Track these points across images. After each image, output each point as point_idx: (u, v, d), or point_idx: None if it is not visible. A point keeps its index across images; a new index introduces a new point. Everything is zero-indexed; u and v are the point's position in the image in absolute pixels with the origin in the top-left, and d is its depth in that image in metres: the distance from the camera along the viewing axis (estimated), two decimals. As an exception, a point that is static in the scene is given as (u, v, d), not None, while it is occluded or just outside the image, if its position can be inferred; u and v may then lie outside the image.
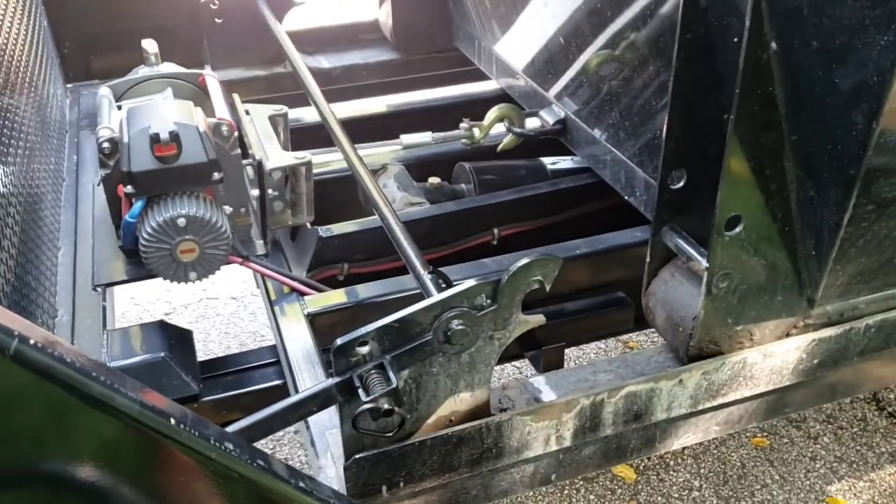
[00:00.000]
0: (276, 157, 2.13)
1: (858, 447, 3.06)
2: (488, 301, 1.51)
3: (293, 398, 1.48)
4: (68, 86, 2.94)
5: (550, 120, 2.31)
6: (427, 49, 3.15)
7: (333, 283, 2.34)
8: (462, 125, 2.43)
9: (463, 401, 1.60)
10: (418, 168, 2.54)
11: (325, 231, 2.30)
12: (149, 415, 0.96)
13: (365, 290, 2.11)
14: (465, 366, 1.56)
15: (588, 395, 1.61)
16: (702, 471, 2.98)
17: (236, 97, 2.29)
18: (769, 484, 2.91)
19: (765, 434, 3.12)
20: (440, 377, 1.55)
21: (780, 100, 1.37)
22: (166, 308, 3.62)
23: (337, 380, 1.46)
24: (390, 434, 1.51)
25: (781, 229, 1.52)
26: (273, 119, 2.26)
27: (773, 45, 1.31)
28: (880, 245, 1.52)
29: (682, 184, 1.58)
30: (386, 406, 1.42)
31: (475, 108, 2.71)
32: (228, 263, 2.00)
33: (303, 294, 2.05)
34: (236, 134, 2.03)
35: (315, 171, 2.40)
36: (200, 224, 1.86)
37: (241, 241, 2.15)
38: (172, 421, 0.99)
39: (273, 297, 2.05)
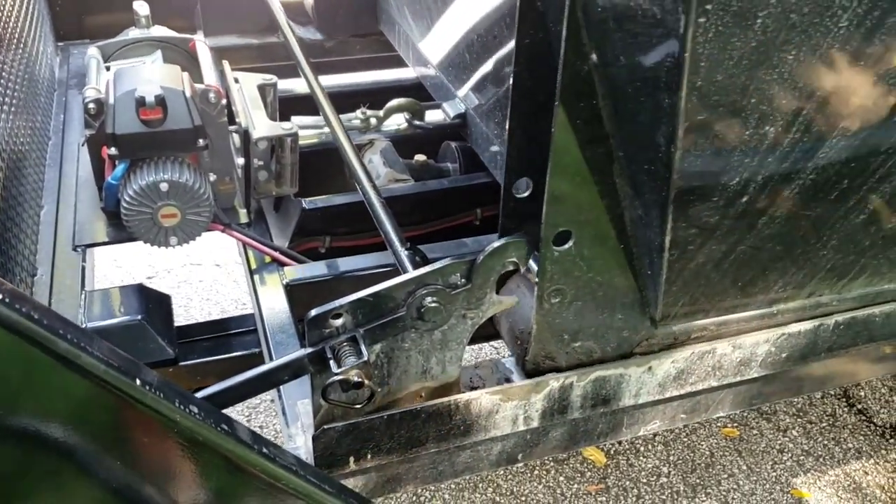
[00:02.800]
0: (262, 126, 2.13)
1: (826, 442, 3.11)
2: (463, 280, 1.53)
3: (265, 366, 1.50)
4: (59, 44, 2.92)
5: (452, 113, 2.32)
6: (350, 31, 3.01)
7: (315, 256, 2.35)
8: (357, 112, 2.43)
9: (434, 377, 1.63)
10: (406, 145, 2.55)
11: (308, 203, 2.31)
12: (114, 374, 0.97)
13: (344, 264, 2.12)
14: (438, 343, 1.58)
15: (557, 378, 1.64)
16: (671, 458, 3.02)
17: (226, 64, 2.28)
18: (736, 473, 2.96)
19: (735, 425, 3.17)
20: (412, 353, 1.57)
21: (605, 114, 1.28)
22: (149, 272, 3.62)
23: (309, 350, 1.48)
24: (359, 406, 1.53)
25: (617, 247, 1.49)
26: (262, 88, 2.26)
27: (593, 56, 1.23)
28: (718, 268, 1.48)
29: (528, 193, 1.50)
30: (356, 378, 1.44)
31: (391, 95, 2.56)
32: (210, 230, 2.01)
33: (282, 264, 2.06)
34: (224, 101, 2.03)
35: (301, 142, 2.42)
36: (183, 190, 1.87)
37: (224, 208, 2.16)
38: (138, 382, 1.00)
39: (253, 265, 2.06)
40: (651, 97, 1.20)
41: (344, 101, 2.46)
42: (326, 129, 2.26)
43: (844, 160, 1.33)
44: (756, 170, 1.29)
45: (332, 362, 1.45)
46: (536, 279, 1.50)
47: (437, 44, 2.40)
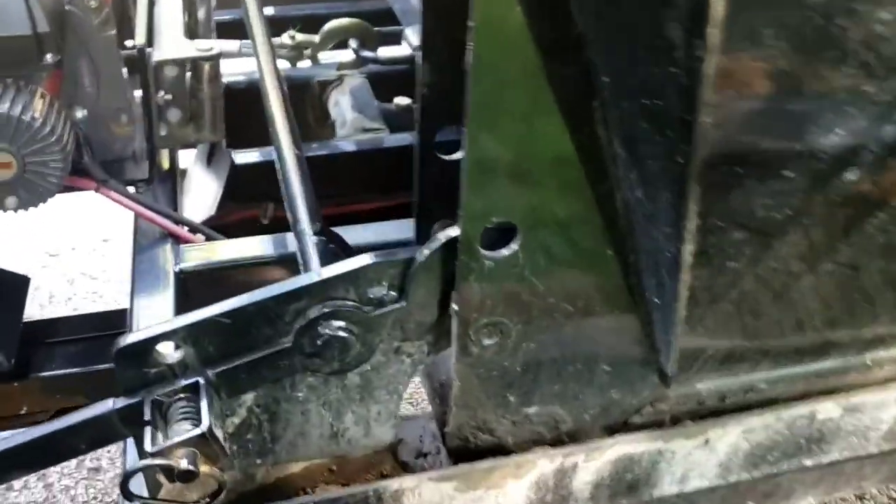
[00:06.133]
0: (169, 45, 1.51)
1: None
2: (392, 293, 0.90)
3: (50, 426, 0.89)
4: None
5: (415, 42, 1.66)
6: None
7: (252, 230, 1.74)
8: (286, 35, 1.75)
9: (353, 442, 1.00)
10: (387, 83, 1.90)
11: (242, 156, 1.69)
12: None
13: (280, 243, 1.50)
14: (356, 391, 0.96)
15: (552, 456, 1.00)
16: None
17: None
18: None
19: None
20: (311, 406, 0.95)
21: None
22: (106, 234, 3.05)
23: (122, 402, 0.87)
24: (199, 505, 0.91)
25: (601, 251, 0.86)
26: (189, -1, 1.65)
27: None
28: (781, 298, 0.84)
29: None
30: (184, 464, 0.82)
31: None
32: (74, 189, 1.41)
33: (182, 241, 1.44)
34: (109, 8, 1.43)
35: (236, 76, 1.80)
36: (17, 128, 1.26)
37: (118, 159, 1.56)
38: None
39: (140, 240, 1.45)
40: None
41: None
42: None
43: None
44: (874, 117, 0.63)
45: (148, 431, 0.84)
46: (454, 307, 0.86)
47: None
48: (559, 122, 0.76)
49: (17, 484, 2.15)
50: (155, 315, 1.32)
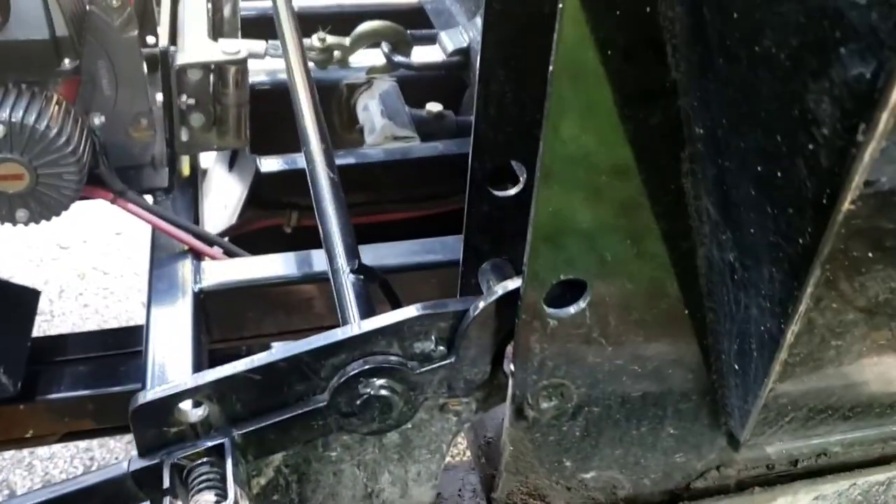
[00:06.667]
0: (193, 47, 1.43)
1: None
2: (441, 348, 0.81)
3: (57, 488, 0.81)
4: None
5: (450, 47, 1.58)
6: None
7: (276, 238, 1.65)
8: (315, 36, 1.67)
9: (388, 503, 0.92)
10: (418, 88, 1.80)
11: (267, 163, 1.60)
12: None
13: (305, 261, 1.41)
14: (394, 451, 0.87)
15: (607, 526, 0.91)
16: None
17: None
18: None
19: None
20: (344, 466, 0.87)
21: (674, 37, 0.61)
22: (119, 228, 2.97)
23: (138, 464, 0.79)
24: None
25: (678, 313, 0.77)
26: (215, -3, 1.56)
27: None
28: (872, 368, 0.76)
29: (518, 188, 0.89)
30: (206, 540, 0.73)
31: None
32: (88, 199, 1.33)
33: (202, 256, 1.36)
34: (131, 7, 1.34)
35: (260, 77, 1.72)
36: (29, 137, 1.17)
37: (137, 166, 1.48)
38: None
39: (158, 255, 1.36)
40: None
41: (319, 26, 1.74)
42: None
43: None
44: None
45: (167, 503, 0.75)
46: (511, 367, 0.77)
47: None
48: (641, 174, 0.67)
49: None
50: (171, 336, 1.24)
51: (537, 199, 0.67)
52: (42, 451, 2.18)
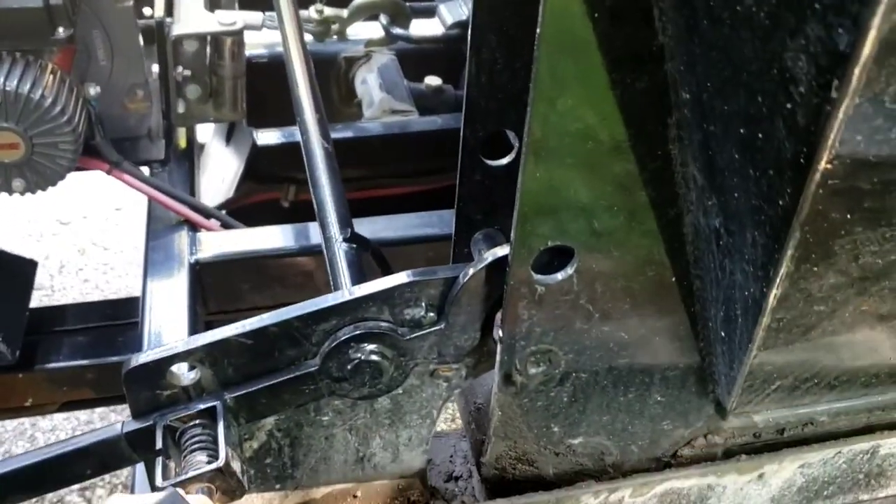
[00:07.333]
0: (189, 18, 1.43)
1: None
2: (430, 314, 0.81)
3: (50, 448, 0.82)
4: None
5: (449, 20, 1.57)
6: None
7: (274, 212, 1.66)
8: (313, 8, 1.66)
9: (379, 468, 0.93)
10: (417, 61, 1.80)
11: (264, 136, 1.61)
12: None
13: (302, 233, 1.42)
14: (385, 416, 0.88)
15: (597, 492, 0.92)
16: None
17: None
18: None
19: None
20: (336, 430, 0.88)
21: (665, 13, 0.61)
22: (119, 203, 2.97)
23: (132, 426, 0.80)
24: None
25: (664, 281, 0.77)
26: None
27: None
28: (856, 331, 0.76)
29: (510, 158, 0.89)
30: (198, 500, 0.74)
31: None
32: (84, 169, 1.33)
33: (198, 228, 1.36)
34: (126, -26, 1.34)
35: (257, 49, 1.72)
36: (24, 106, 1.18)
37: (132, 137, 1.48)
38: None
39: (154, 226, 1.37)
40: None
41: None
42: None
43: None
44: None
45: (159, 462, 0.76)
46: (499, 334, 0.78)
47: None
48: (629, 140, 0.67)
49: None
50: (168, 307, 1.25)
51: (525, 167, 0.67)
52: (44, 423, 2.20)
